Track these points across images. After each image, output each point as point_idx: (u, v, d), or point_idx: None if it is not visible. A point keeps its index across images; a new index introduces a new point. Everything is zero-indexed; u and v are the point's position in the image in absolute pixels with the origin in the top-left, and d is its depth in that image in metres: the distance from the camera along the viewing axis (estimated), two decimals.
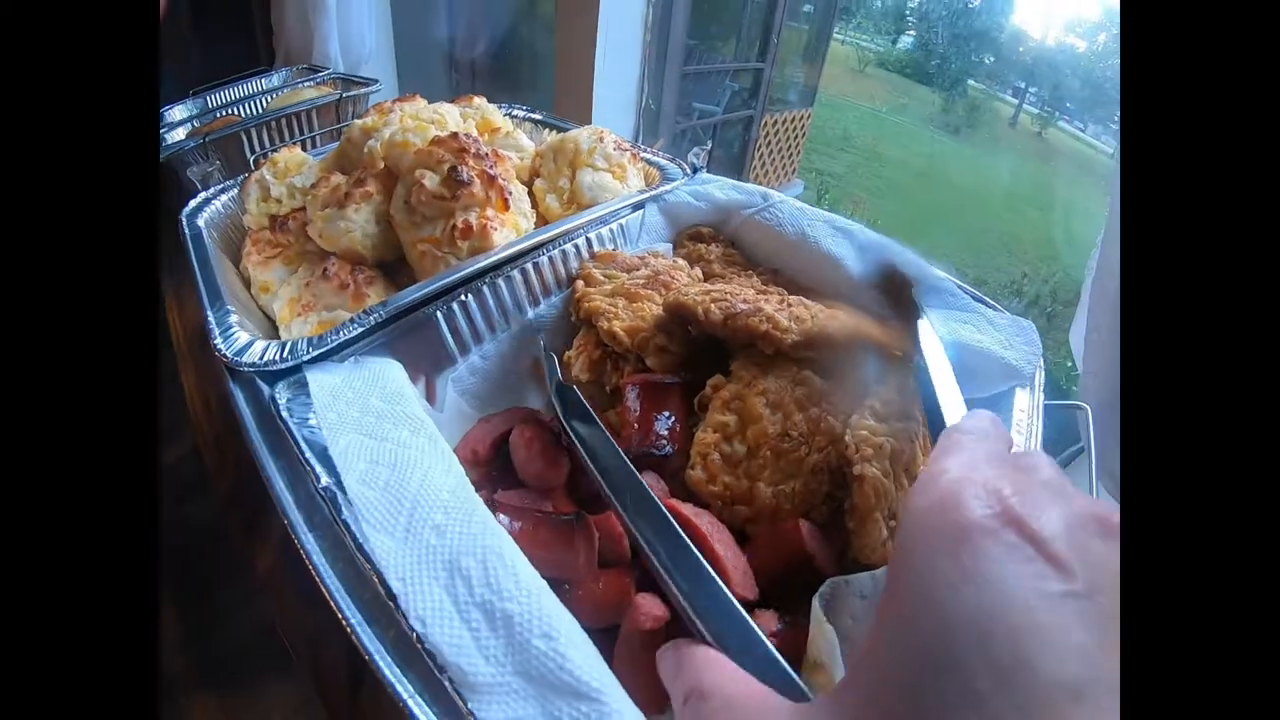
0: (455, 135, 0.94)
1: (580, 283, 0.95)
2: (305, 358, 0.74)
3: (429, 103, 1.22)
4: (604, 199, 1.10)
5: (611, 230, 1.05)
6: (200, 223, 1.08)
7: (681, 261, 1.05)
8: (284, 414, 0.68)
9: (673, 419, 0.81)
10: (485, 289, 0.89)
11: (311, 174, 1.13)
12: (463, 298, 0.87)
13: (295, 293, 0.95)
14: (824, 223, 1.14)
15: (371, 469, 0.62)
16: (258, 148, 1.69)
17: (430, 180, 0.90)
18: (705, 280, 1.05)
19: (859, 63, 8.97)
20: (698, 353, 0.87)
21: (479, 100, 1.30)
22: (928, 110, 8.45)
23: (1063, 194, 7.27)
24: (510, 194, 0.94)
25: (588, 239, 1.02)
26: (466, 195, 0.89)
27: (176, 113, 1.94)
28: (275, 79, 2.19)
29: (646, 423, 0.80)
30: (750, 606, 0.64)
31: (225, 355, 0.74)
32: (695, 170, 1.22)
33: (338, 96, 1.89)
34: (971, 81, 8.42)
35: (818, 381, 0.78)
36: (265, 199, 1.11)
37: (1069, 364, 1.58)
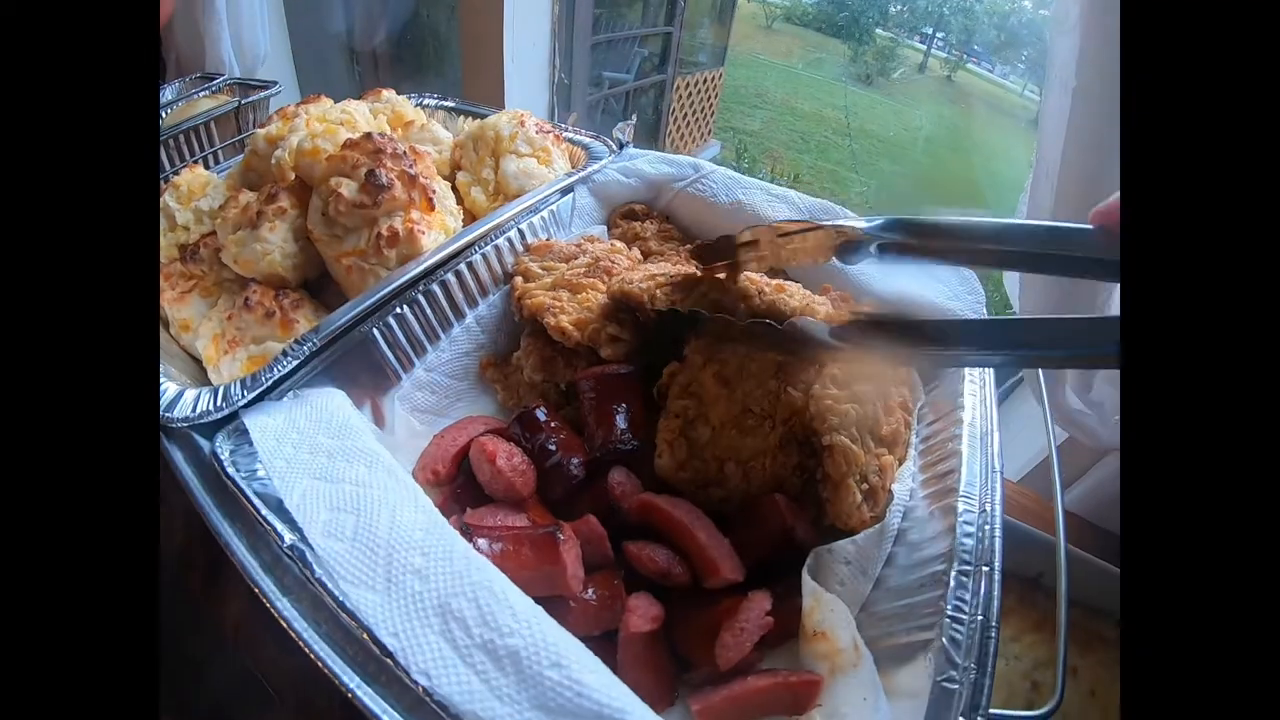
0: (369, 136, 0.88)
1: (519, 279, 0.91)
2: (241, 403, 0.68)
3: (335, 102, 1.15)
4: (531, 186, 1.06)
5: (543, 218, 1.01)
6: None
7: (619, 244, 1.02)
8: (230, 470, 0.62)
9: (632, 410, 0.79)
10: (420, 297, 0.84)
11: (218, 194, 1.05)
12: (398, 310, 0.82)
13: (218, 328, 0.88)
14: (758, 189, 1.12)
15: (335, 518, 0.58)
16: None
17: (347, 188, 0.85)
18: (644, 259, 1.02)
19: (766, 19, 8.97)
20: (650, 337, 0.85)
21: (387, 93, 1.23)
22: (839, 61, 8.51)
23: (977, 135, 7.44)
24: (434, 192, 0.89)
25: (520, 230, 0.98)
26: (388, 200, 0.84)
27: None
28: (168, 92, 2.05)
29: (607, 418, 0.78)
30: (739, 587, 0.65)
31: None
32: (622, 146, 1.18)
33: (236, 104, 1.78)
34: (880, 30, 8.51)
35: (773, 354, 0.77)
36: (172, 228, 1.03)
37: (1007, 308, 1.61)
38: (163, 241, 1.02)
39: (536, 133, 1.10)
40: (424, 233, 0.85)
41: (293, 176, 0.97)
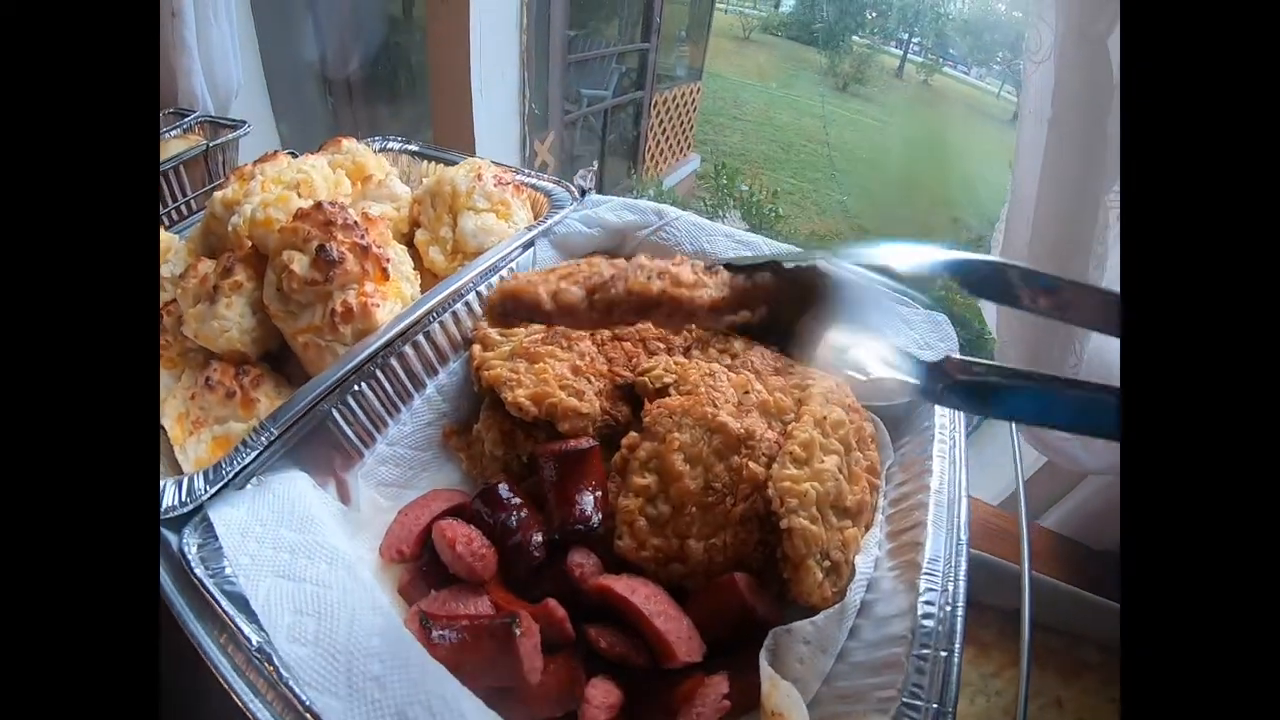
0: (319, 206, 0.87)
1: (477, 347, 0.90)
2: (205, 497, 0.68)
3: (294, 151, 1.14)
4: (490, 244, 1.05)
5: (502, 277, 1.00)
6: None
7: None
8: (197, 570, 0.63)
9: (593, 488, 0.78)
10: (379, 372, 0.84)
11: (179, 260, 1.04)
12: (356, 388, 0.81)
13: (182, 407, 0.88)
14: (724, 236, 1.12)
15: (298, 621, 0.60)
16: None
17: (299, 263, 0.84)
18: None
19: (743, 30, 9.02)
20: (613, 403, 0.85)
21: (348, 143, 1.21)
22: (815, 70, 8.56)
23: (956, 138, 7.48)
24: (388, 260, 0.89)
25: (478, 293, 0.97)
26: (340, 274, 0.83)
27: None
28: None
29: (567, 496, 0.77)
30: (697, 669, 0.66)
31: None
32: (584, 193, 1.17)
33: (204, 147, 1.76)
34: (855, 37, 8.57)
35: (735, 427, 0.76)
36: None
37: (981, 329, 1.60)
38: None
39: (495, 185, 1.10)
40: (378, 305, 0.85)
41: (249, 244, 0.96)
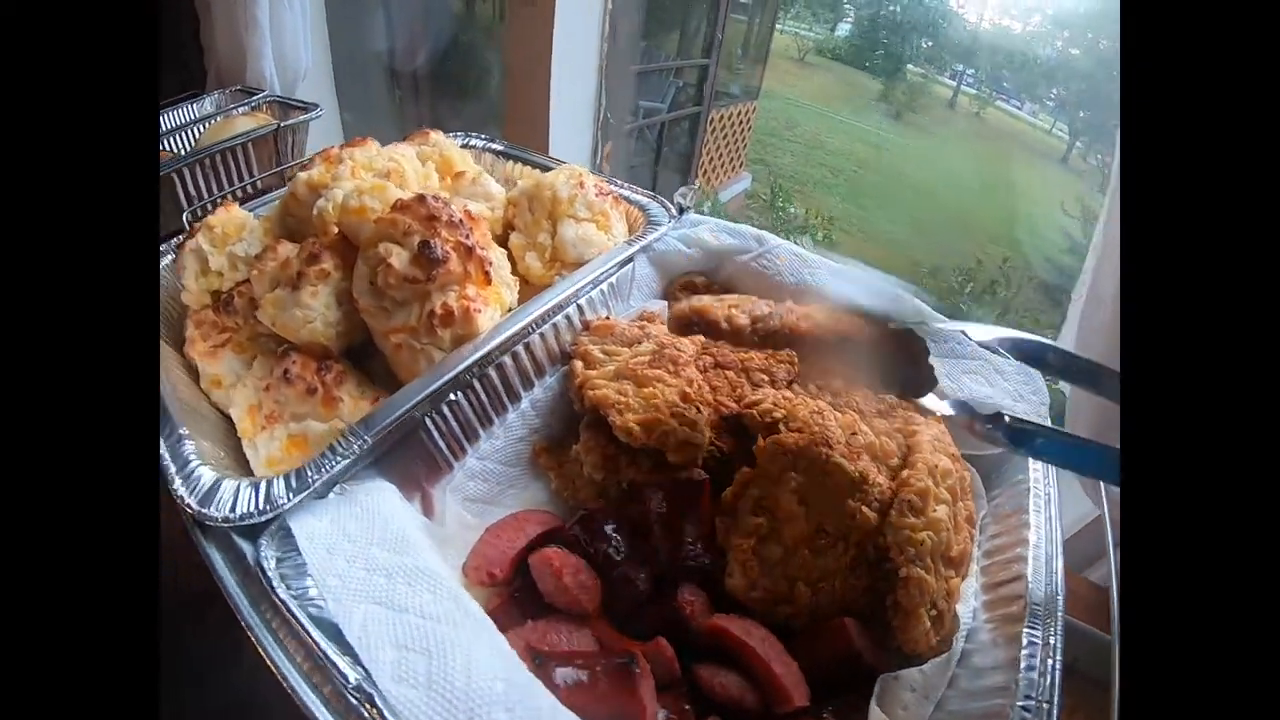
0: (422, 199, 0.81)
1: (578, 363, 0.84)
2: (286, 506, 0.62)
3: (378, 140, 1.08)
4: (590, 255, 0.99)
5: (602, 291, 0.95)
6: None
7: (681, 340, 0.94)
8: (280, 591, 0.57)
9: (702, 523, 0.74)
10: (476, 382, 0.78)
11: (254, 239, 0.98)
12: (452, 396, 0.76)
13: (253, 397, 0.82)
14: (825, 268, 1.06)
15: (403, 659, 0.53)
16: (192, 193, 1.52)
17: (398, 258, 0.78)
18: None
19: (798, 52, 8.97)
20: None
21: (435, 135, 1.16)
22: (869, 96, 8.50)
23: (1006, 174, 7.39)
24: (491, 264, 0.83)
25: (579, 306, 0.91)
26: (443, 274, 0.77)
27: None
28: (208, 104, 2.02)
29: (675, 531, 0.73)
30: (804, 713, 0.65)
31: (190, 506, 0.62)
32: (683, 211, 1.11)
33: (275, 126, 1.73)
34: (910, 65, 8.52)
35: (850, 470, 0.73)
36: (204, 272, 0.96)
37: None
38: (194, 286, 0.95)
39: (596, 195, 1.04)
40: (480, 311, 0.79)
41: (335, 231, 0.91)
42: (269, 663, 0.54)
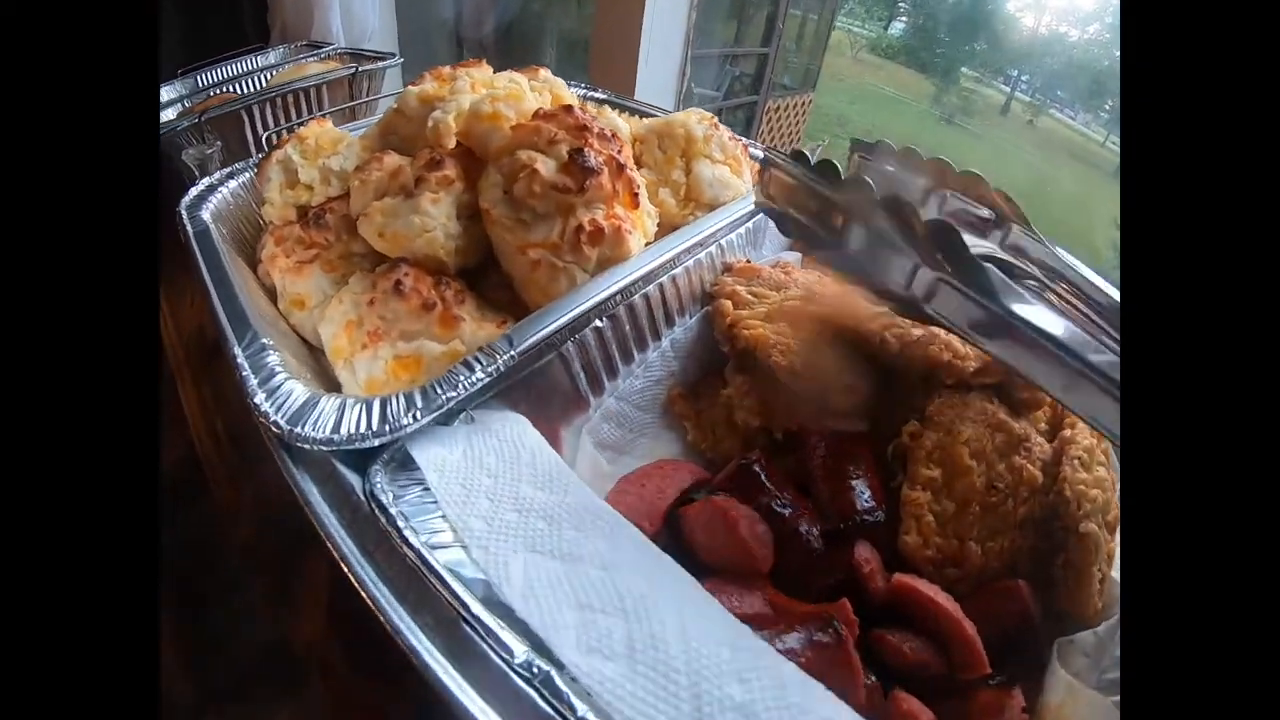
0: (569, 109, 0.73)
1: (726, 303, 0.75)
2: (410, 428, 0.52)
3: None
4: (726, 197, 0.90)
5: (740, 235, 0.86)
6: (205, 216, 0.84)
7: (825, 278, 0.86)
8: (409, 537, 0.45)
9: (869, 477, 0.67)
10: (622, 311, 0.69)
11: (352, 154, 0.89)
12: (597, 323, 0.67)
13: (352, 313, 0.71)
14: None
15: (589, 621, 0.40)
16: (262, 128, 1.45)
17: (545, 165, 0.69)
18: None
19: (851, 48, 8.82)
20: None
21: (544, 72, 1.07)
22: (920, 97, 8.35)
23: (1060, 185, 7.24)
24: (639, 186, 0.74)
25: (720, 246, 0.82)
26: (595, 186, 0.69)
27: (162, 94, 1.66)
28: (272, 56, 1.96)
29: (843, 485, 0.65)
30: (986, 680, 0.59)
31: (279, 426, 0.51)
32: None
33: (353, 70, 1.66)
34: (964, 69, 8.37)
35: (1015, 427, 0.69)
36: (291, 185, 0.87)
37: None
38: (278, 199, 0.87)
39: (729, 139, 0.95)
40: (630, 233, 0.70)
41: (454, 143, 0.82)
42: (386, 626, 0.42)
